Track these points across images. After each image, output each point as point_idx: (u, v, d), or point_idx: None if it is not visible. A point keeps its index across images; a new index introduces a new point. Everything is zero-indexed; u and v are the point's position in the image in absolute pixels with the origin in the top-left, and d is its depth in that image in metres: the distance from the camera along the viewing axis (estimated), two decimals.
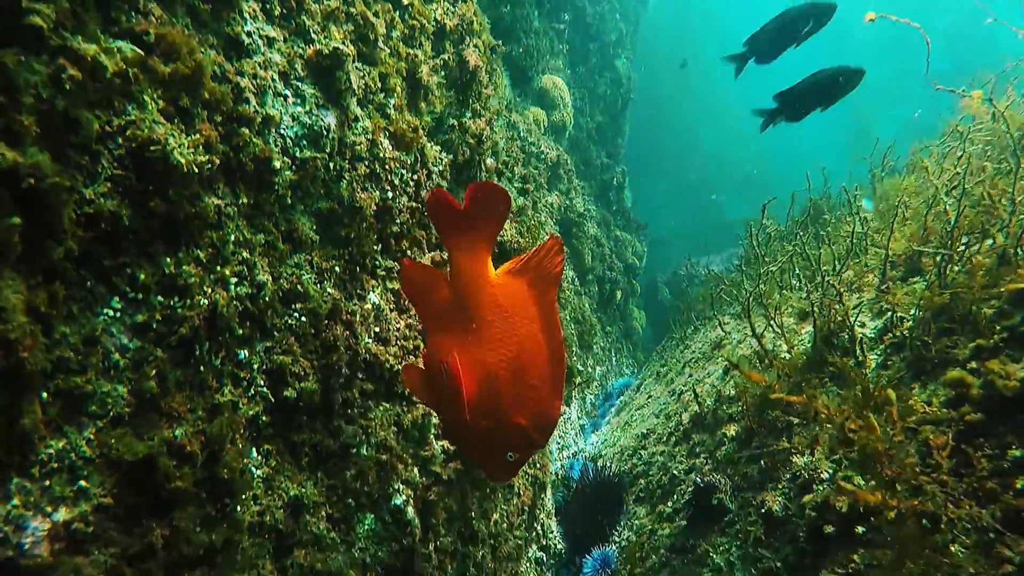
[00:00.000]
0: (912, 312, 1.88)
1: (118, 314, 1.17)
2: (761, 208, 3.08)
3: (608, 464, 2.98)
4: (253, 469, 1.36)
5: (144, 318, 1.20)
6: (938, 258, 1.88)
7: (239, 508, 1.29)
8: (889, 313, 2.03)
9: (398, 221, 1.87)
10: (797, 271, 2.97)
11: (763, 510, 1.96)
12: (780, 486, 1.97)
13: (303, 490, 1.43)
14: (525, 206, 2.57)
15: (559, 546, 2.81)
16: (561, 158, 4.70)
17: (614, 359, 5.18)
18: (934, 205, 2.13)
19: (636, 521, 2.58)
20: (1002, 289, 1.72)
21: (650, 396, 3.52)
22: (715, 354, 3.11)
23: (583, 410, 3.92)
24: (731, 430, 2.34)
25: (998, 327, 1.67)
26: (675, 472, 2.53)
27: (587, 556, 2.69)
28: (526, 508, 2.38)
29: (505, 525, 2.27)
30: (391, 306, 1.80)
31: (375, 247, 1.78)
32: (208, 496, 1.23)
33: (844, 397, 1.18)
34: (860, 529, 1.66)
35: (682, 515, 2.34)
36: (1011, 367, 1.53)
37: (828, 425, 1.26)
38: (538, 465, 2.49)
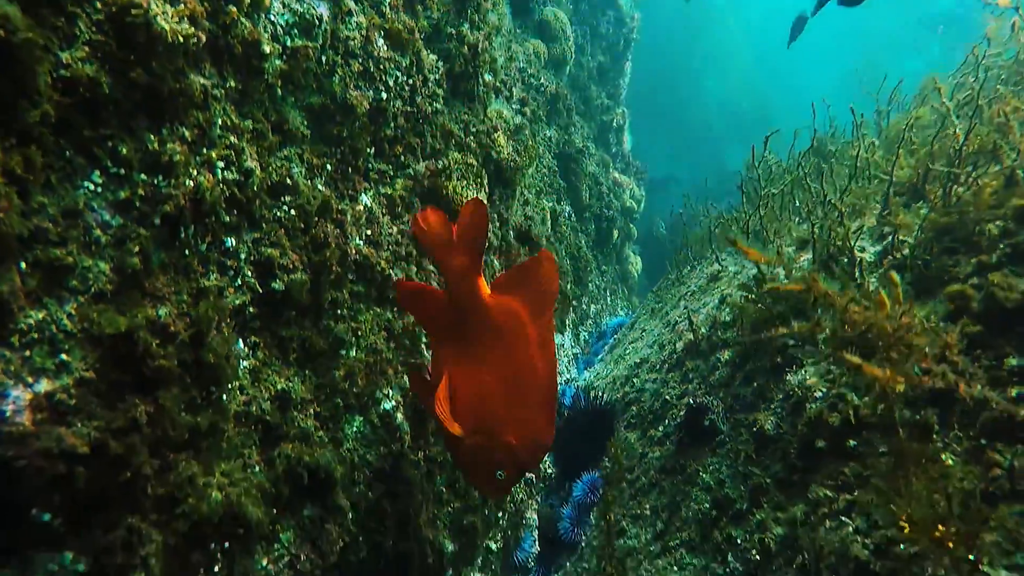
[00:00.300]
0: (914, 233, 1.84)
1: (99, 189, 1.13)
2: (763, 140, 3.02)
3: (600, 393, 2.99)
4: (240, 360, 1.34)
5: (127, 195, 1.16)
6: (942, 171, 1.83)
7: (224, 396, 1.27)
8: (890, 236, 1.99)
9: (392, 125, 1.82)
10: (797, 203, 2.93)
11: (755, 429, 1.96)
12: (773, 406, 1.97)
13: (291, 384, 1.42)
14: (523, 125, 2.51)
15: (549, 470, 2.83)
16: (560, 92, 4.60)
17: (609, 299, 5.16)
18: (943, 129, 2.08)
19: (627, 447, 2.59)
20: (1007, 208, 1.68)
21: (644, 331, 3.51)
22: (711, 286, 3.09)
23: (577, 342, 3.91)
24: (725, 355, 2.33)
25: (1001, 245, 1.65)
26: (667, 398, 2.53)
27: (577, 480, 2.71)
28: None
29: None
30: (383, 210, 1.76)
31: (368, 149, 1.73)
32: (193, 380, 1.21)
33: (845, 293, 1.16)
34: (851, 443, 1.66)
35: (673, 438, 2.35)
36: (1013, 280, 1.51)
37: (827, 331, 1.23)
38: None
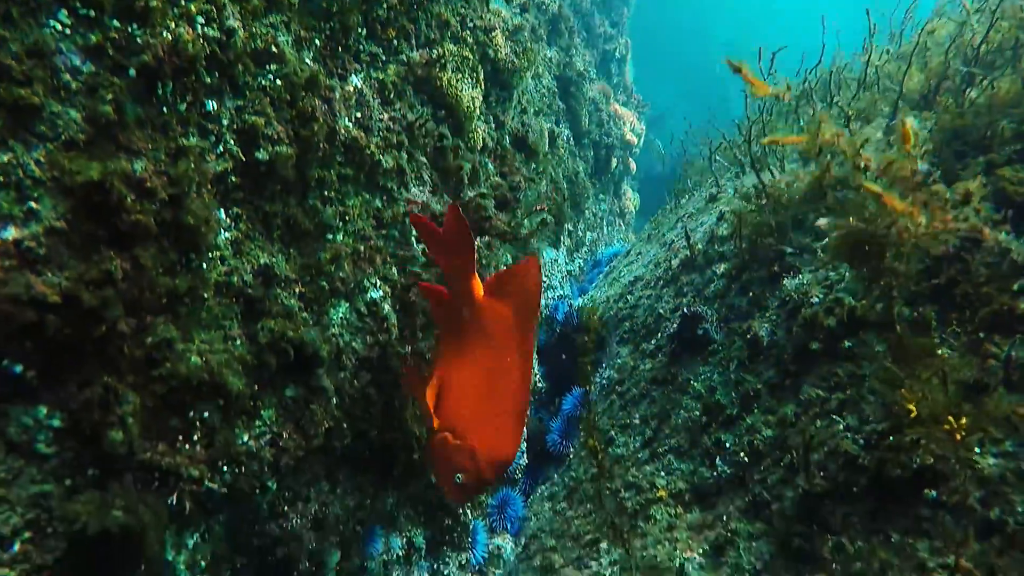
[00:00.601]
0: (924, 135, 1.78)
1: (67, 30, 1.06)
2: (770, 56, 2.92)
3: (594, 313, 2.96)
4: (221, 230, 1.29)
5: (98, 40, 1.09)
6: (957, 79, 1.77)
7: (204, 264, 1.22)
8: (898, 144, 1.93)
9: (384, 5, 1.73)
10: (802, 123, 2.85)
11: (748, 336, 1.93)
12: (768, 314, 1.94)
13: (274, 260, 1.37)
14: (522, 26, 2.41)
15: (540, 385, 2.82)
16: (563, 13, 4.44)
17: (606, 229, 5.10)
18: (960, 36, 1.99)
19: (619, 360, 2.57)
20: (1023, 107, 1.62)
21: (640, 253, 3.46)
22: (709, 207, 3.03)
23: (571, 261, 3.87)
24: (721, 267, 2.28)
25: (1013, 144, 1.59)
26: (661, 312, 2.50)
27: (567, 394, 2.70)
28: None
29: None
30: (375, 94, 1.69)
31: (360, 29, 1.65)
32: (171, 243, 1.17)
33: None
34: (847, 343, 1.63)
35: (665, 350, 2.33)
36: (1023, 174, 1.46)
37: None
38: None
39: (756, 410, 1.82)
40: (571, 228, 4.02)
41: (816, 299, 1.77)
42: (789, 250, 1.97)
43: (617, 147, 5.22)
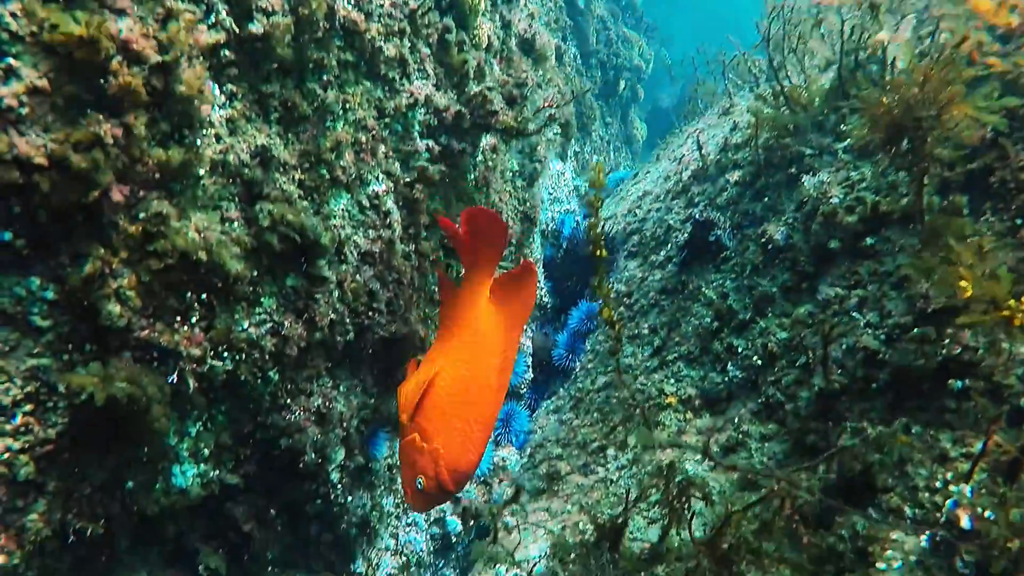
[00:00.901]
0: (960, 25, 1.69)
1: None
2: None
3: (600, 225, 2.89)
4: (215, 107, 1.22)
5: None
6: None
7: (199, 141, 1.16)
8: (930, 37, 1.83)
9: None
10: (822, 31, 2.73)
11: (763, 240, 1.87)
12: (784, 218, 1.88)
13: (271, 142, 1.30)
14: None
15: (546, 300, 2.79)
16: None
17: (612, 155, 4.99)
18: None
19: (626, 274, 2.53)
20: None
21: (648, 172, 3.38)
22: (722, 120, 2.93)
23: (577, 176, 3.78)
24: (735, 175, 2.21)
25: None
26: (671, 223, 2.44)
27: (573, 309, 2.67)
28: (513, 242, 2.31)
29: None
30: None
31: None
32: (163, 113, 1.10)
33: None
34: (869, 240, 1.58)
35: (675, 259, 2.27)
36: None
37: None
38: (528, 203, 2.39)
39: (770, 314, 1.78)
40: (577, 150, 3.91)
41: (836, 198, 1.70)
42: (808, 151, 1.89)
43: (626, 69, 5.07)
